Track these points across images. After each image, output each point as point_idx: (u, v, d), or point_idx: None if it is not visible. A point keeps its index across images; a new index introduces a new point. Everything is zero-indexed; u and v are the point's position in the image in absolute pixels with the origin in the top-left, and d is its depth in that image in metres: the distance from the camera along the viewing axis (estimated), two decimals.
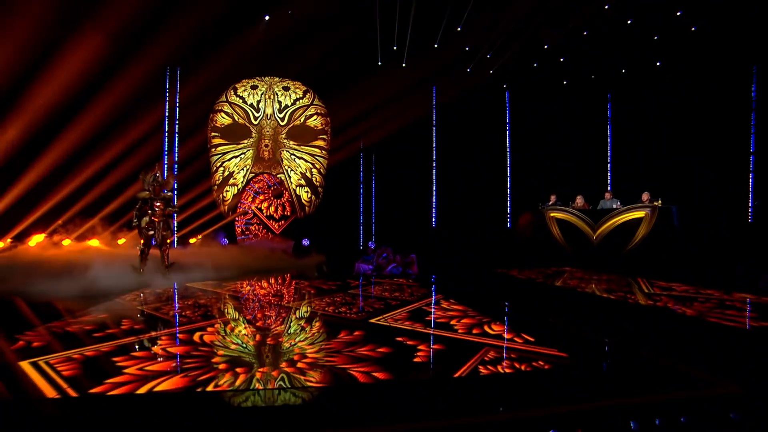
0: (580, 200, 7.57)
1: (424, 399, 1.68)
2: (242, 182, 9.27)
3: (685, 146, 7.65)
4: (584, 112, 9.01)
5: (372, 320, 2.86)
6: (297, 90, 9.66)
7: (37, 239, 7.36)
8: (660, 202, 6.33)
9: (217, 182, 9.29)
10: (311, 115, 9.64)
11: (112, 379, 1.73)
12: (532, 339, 2.41)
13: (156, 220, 4.49)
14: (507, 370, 1.95)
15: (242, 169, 9.30)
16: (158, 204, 4.52)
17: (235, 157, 9.33)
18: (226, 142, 9.37)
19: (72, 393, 1.59)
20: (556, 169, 8.71)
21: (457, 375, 1.88)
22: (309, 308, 3.26)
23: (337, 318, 2.92)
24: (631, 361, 2.09)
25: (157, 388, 1.65)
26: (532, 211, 7.73)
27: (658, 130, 8.18)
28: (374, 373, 1.86)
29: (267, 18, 8.87)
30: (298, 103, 9.57)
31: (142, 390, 1.63)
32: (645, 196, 6.72)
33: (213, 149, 9.37)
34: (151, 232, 4.48)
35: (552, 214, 7.30)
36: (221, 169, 9.31)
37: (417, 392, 1.74)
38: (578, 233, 6.93)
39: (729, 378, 1.71)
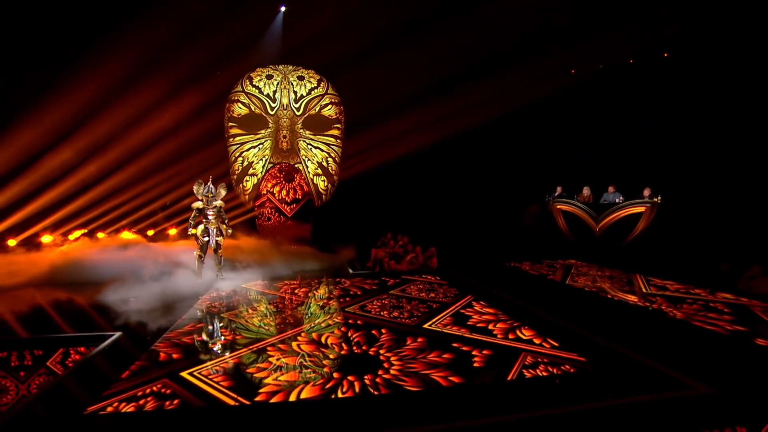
0: (586, 191, 8.22)
1: (492, 399, 2.38)
2: (262, 172, 9.72)
3: (691, 141, 8.16)
4: (591, 102, 9.46)
5: (425, 326, 3.55)
6: (311, 79, 9.90)
7: (75, 234, 7.88)
8: (659, 198, 7.00)
9: (237, 172, 9.73)
10: (326, 105, 9.95)
11: (263, 389, 2.40)
12: (556, 344, 3.12)
13: (210, 227, 5.05)
14: (543, 373, 2.65)
15: (261, 159, 9.72)
16: (211, 213, 5.07)
17: (254, 147, 9.72)
18: (244, 132, 9.71)
19: (245, 401, 2.26)
20: (563, 160, 9.28)
21: (509, 378, 2.58)
22: (366, 313, 3.94)
23: (397, 324, 3.60)
24: (631, 365, 2.78)
25: (302, 396, 2.32)
26: (539, 203, 8.39)
27: (665, 123, 8.67)
28: (450, 377, 2.55)
29: (283, 8, 9.01)
30: (313, 92, 9.85)
31: (293, 398, 2.31)
32: (646, 192, 7.37)
33: (231, 139, 9.73)
34: (206, 239, 5.05)
35: (558, 207, 7.97)
36: (240, 159, 9.72)
37: (486, 394, 2.44)
38: (582, 225, 7.64)
39: (704, 380, 2.42)
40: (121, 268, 4.84)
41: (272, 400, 2.28)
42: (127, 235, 8.41)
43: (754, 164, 6.99)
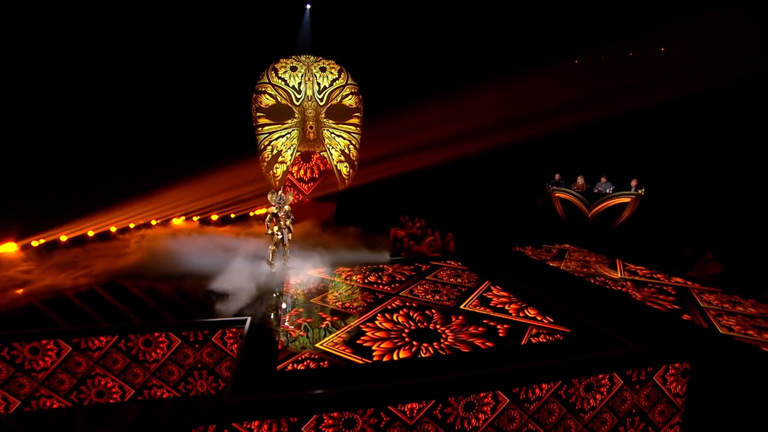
0: (580, 180, 9.78)
1: (513, 355, 4.09)
2: (290, 160, 11.01)
3: (677, 137, 9.61)
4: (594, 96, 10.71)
5: (461, 306, 5.23)
6: (332, 71, 10.92)
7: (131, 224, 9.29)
8: (643, 190, 8.60)
9: (267, 159, 10.99)
10: (347, 95, 11.05)
11: (375, 353, 4.07)
12: (551, 319, 4.83)
13: (282, 226, 6.56)
14: (543, 340, 4.36)
15: (289, 148, 10.96)
16: (282, 215, 6.55)
17: (282, 136, 10.91)
18: (272, 121, 10.85)
19: (368, 361, 3.93)
20: (562, 149, 10.71)
21: (522, 343, 4.29)
22: (416, 296, 5.60)
23: (441, 306, 5.27)
24: (597, 333, 4.50)
25: (401, 356, 4.00)
26: (541, 190, 9.95)
27: (658, 116, 10.04)
28: (487, 344, 4.25)
29: (308, 6, 9.87)
30: (335, 83, 10.90)
31: (395, 357, 3.98)
32: (633, 182, 8.96)
33: (259, 128, 10.89)
34: (279, 236, 6.58)
35: (557, 195, 9.56)
36: (269, 147, 10.94)
37: (511, 353, 4.14)
38: (577, 211, 9.28)
39: (639, 342, 4.14)
40: (213, 260, 6.39)
41: (384, 359, 3.96)
42: (177, 221, 9.88)
43: (727, 163, 8.55)
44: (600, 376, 3.64)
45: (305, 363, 3.90)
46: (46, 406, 4.44)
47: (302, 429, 3.11)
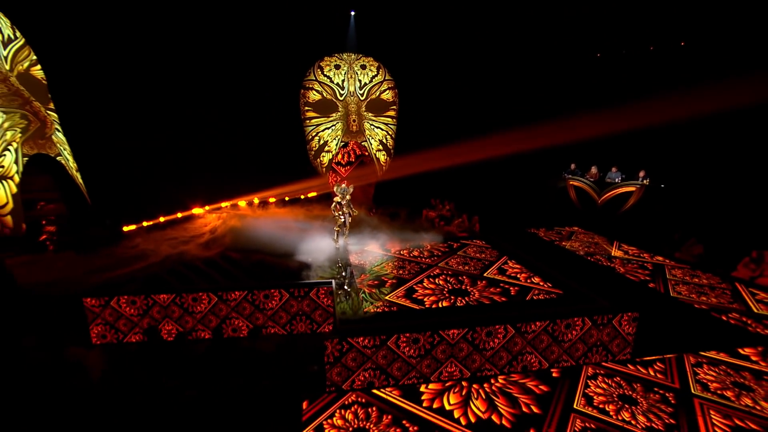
0: (594, 169, 11.71)
1: (520, 306, 6.40)
2: (335, 149, 13.26)
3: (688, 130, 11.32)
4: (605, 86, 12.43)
5: (485, 274, 7.53)
6: (372, 68, 12.93)
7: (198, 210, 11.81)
8: (648, 181, 10.52)
9: (314, 149, 13.27)
10: (384, 90, 13.09)
11: (426, 303, 6.44)
12: (550, 284, 7.08)
13: (344, 212, 8.91)
14: (542, 297, 6.64)
15: (334, 139, 13.18)
16: (345, 203, 8.88)
17: (328, 128, 13.13)
18: (318, 115, 13.05)
19: (422, 307, 6.31)
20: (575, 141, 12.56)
21: (527, 299, 6.59)
22: (450, 266, 7.92)
23: (469, 273, 7.57)
24: (580, 294, 6.75)
25: (444, 305, 6.36)
26: (557, 178, 11.93)
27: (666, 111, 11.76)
28: (502, 299, 6.56)
29: (353, 14, 11.80)
30: (374, 80, 12.94)
31: (440, 306, 6.34)
32: (641, 173, 10.85)
33: (307, 121, 13.12)
34: (342, 220, 8.94)
35: (571, 182, 11.54)
36: (317, 138, 13.19)
37: (518, 304, 6.45)
38: (588, 197, 11.28)
39: (607, 299, 6.37)
40: (294, 238, 8.82)
41: (433, 306, 6.33)
42: (242, 203, 12.38)
43: (723, 159, 10.35)
44: (576, 319, 5.92)
45: (380, 308, 6.31)
46: (200, 336, 7.04)
47: (387, 343, 5.53)
